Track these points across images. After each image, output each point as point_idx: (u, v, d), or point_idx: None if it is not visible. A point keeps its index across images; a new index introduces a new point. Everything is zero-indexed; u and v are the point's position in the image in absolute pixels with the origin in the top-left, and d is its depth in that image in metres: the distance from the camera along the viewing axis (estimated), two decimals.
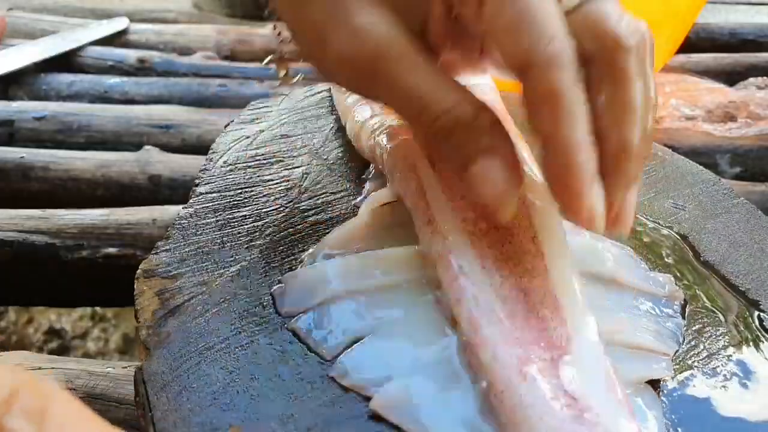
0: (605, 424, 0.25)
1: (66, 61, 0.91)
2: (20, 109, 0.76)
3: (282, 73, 0.35)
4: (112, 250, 0.54)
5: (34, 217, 0.56)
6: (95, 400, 0.40)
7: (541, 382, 0.26)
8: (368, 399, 0.27)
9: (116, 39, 0.98)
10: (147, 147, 0.68)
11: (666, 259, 0.37)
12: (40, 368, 0.43)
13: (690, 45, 0.96)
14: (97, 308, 1.09)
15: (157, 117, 0.75)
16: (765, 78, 0.78)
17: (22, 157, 0.66)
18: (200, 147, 0.69)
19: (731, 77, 0.86)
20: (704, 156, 0.69)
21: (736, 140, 0.70)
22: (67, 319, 1.12)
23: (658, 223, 0.39)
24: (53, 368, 0.42)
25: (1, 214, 0.57)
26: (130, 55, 0.92)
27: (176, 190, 0.64)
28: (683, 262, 0.37)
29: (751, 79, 0.79)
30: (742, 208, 0.41)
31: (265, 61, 0.35)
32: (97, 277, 0.55)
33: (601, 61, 0.28)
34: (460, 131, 0.29)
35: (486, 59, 0.34)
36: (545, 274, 0.30)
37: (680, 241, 0.39)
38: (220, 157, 0.42)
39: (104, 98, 0.83)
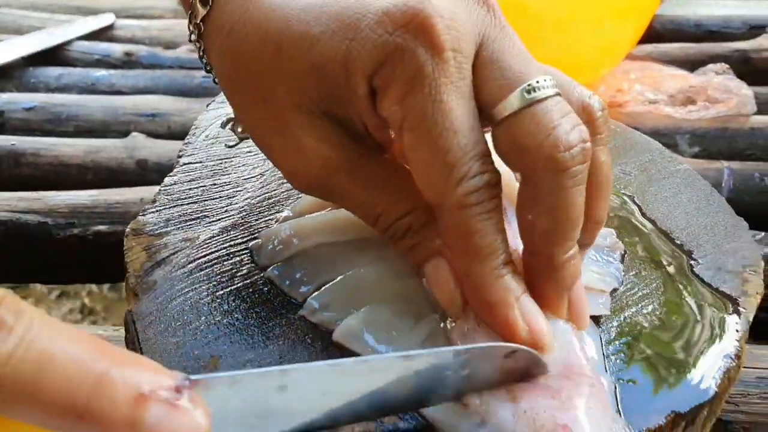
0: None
1: (54, 56, 0.93)
2: (10, 100, 0.79)
3: (239, 130, 0.38)
4: (101, 227, 0.57)
5: (27, 199, 0.59)
6: None
7: None
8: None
9: (102, 34, 1.01)
10: (134, 133, 0.71)
11: (614, 216, 0.40)
12: None
13: (657, 35, 1.01)
14: (86, 302, 1.11)
15: (143, 106, 0.78)
16: (723, 64, 0.82)
17: (12, 144, 0.69)
18: (185, 134, 0.71)
19: (695, 66, 0.90)
20: (665, 137, 0.73)
21: (695, 122, 0.74)
22: (57, 313, 1.14)
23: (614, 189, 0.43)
24: None
25: None
26: (117, 49, 0.95)
27: (163, 174, 0.66)
28: (627, 218, 0.40)
29: (711, 66, 0.83)
30: (683, 173, 0.45)
31: (222, 122, 0.38)
32: (88, 254, 0.58)
33: (531, 179, 0.27)
34: (411, 237, 0.30)
35: None
36: None
37: (628, 201, 0.42)
38: (202, 132, 0.46)
39: (92, 90, 0.86)
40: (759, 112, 0.78)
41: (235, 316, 0.32)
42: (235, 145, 0.38)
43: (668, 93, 0.79)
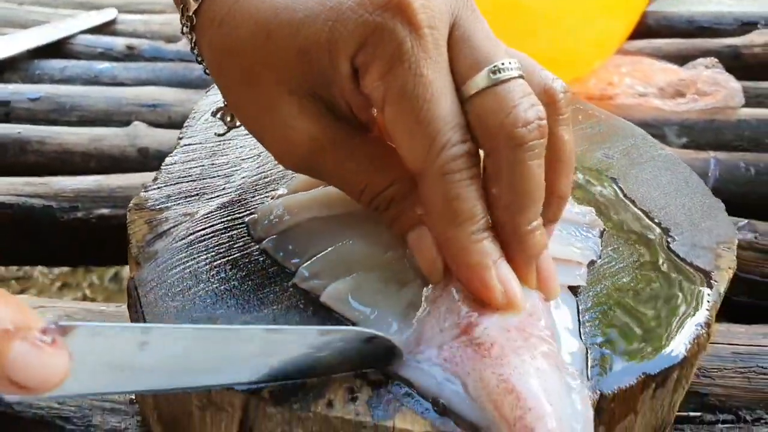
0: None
1: (57, 49, 0.95)
2: (15, 91, 0.81)
3: (228, 119, 0.40)
4: (105, 211, 0.59)
5: (33, 183, 0.61)
6: None
7: None
8: None
9: (105, 28, 1.03)
10: (136, 122, 0.73)
11: (597, 196, 0.42)
12: (42, 306, 0.47)
13: (650, 31, 1.03)
14: (87, 293, 1.13)
15: (144, 97, 0.80)
16: (712, 59, 0.84)
17: (18, 133, 0.71)
18: None
19: (687, 61, 0.92)
20: (654, 128, 0.75)
21: (683, 114, 0.76)
22: (59, 303, 1.16)
23: (595, 169, 0.45)
24: (54, 306, 0.47)
25: (1, 180, 0.62)
26: (119, 42, 0.97)
27: (164, 161, 0.69)
28: (608, 198, 0.42)
29: (700, 60, 0.85)
30: (664, 158, 0.47)
31: (211, 111, 0.41)
32: (91, 236, 0.59)
33: (493, 155, 0.29)
34: (395, 207, 0.32)
35: None
36: None
37: (610, 182, 0.44)
38: (201, 116, 0.47)
39: (95, 82, 0.88)
40: (747, 104, 0.79)
41: (232, 283, 0.34)
42: (224, 133, 0.41)
43: (658, 86, 0.81)
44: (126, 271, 0.89)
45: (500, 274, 0.29)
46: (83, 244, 0.60)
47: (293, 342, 0.27)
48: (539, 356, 0.28)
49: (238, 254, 0.35)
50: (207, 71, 0.36)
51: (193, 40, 0.35)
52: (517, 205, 0.29)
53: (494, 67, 0.29)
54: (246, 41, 0.32)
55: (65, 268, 0.90)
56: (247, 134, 0.45)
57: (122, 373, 0.24)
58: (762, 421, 0.41)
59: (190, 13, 0.34)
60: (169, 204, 0.39)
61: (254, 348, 0.27)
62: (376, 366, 0.29)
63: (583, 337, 0.32)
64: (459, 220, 0.29)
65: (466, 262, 0.29)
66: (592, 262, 0.36)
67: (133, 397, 0.38)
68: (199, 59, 0.37)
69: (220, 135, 0.41)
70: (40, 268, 0.91)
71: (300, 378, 0.29)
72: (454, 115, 0.29)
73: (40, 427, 0.37)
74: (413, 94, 0.29)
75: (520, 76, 0.30)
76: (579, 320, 0.33)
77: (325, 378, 0.29)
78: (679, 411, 0.41)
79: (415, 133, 0.29)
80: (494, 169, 0.30)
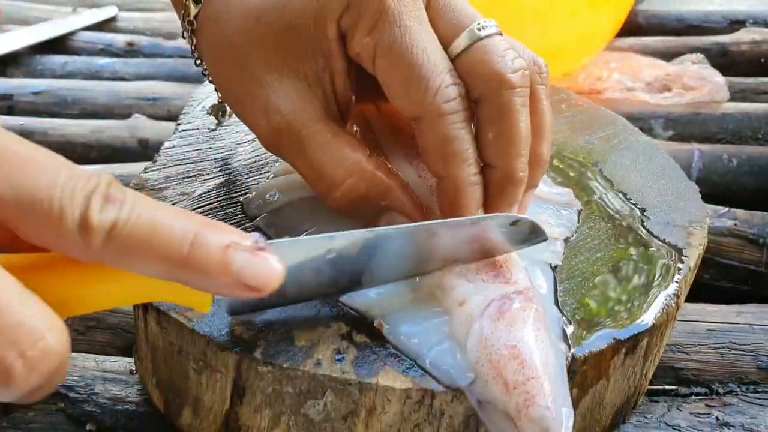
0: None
1: (59, 45, 0.97)
2: (18, 85, 0.83)
3: (219, 114, 0.44)
4: None
5: None
6: None
7: None
8: None
9: (106, 25, 1.05)
10: (136, 115, 0.75)
11: (578, 177, 0.44)
12: None
13: (640, 29, 1.05)
14: None
15: (145, 91, 0.82)
16: (699, 54, 0.86)
17: (21, 125, 0.73)
18: None
19: (676, 57, 0.94)
20: (641, 121, 0.76)
21: (669, 107, 0.78)
22: None
23: (578, 154, 0.47)
24: None
25: None
26: (119, 39, 0.98)
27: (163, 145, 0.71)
28: (587, 180, 0.44)
29: (687, 55, 0.86)
30: (643, 145, 0.49)
31: (207, 110, 0.45)
32: None
33: (487, 100, 0.32)
34: (360, 202, 0.33)
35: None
36: None
37: (592, 165, 0.46)
38: (199, 104, 0.49)
39: (96, 77, 0.89)
40: (732, 99, 0.81)
41: None
42: (215, 129, 0.44)
43: (645, 81, 0.83)
44: None
45: None
46: None
47: (451, 233, 0.31)
48: (542, 327, 0.30)
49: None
50: (205, 72, 0.38)
51: (194, 44, 0.38)
52: (511, 150, 0.32)
53: (478, 25, 0.32)
54: (238, 29, 0.34)
55: None
56: (240, 122, 0.47)
57: (315, 278, 0.29)
58: (733, 393, 0.43)
59: (191, 18, 0.36)
60: (168, 184, 0.41)
61: (423, 243, 0.31)
62: (522, 246, 0.33)
63: (559, 306, 0.34)
64: (457, 161, 0.31)
65: (459, 202, 0.32)
66: (568, 239, 0.38)
67: (133, 366, 0.40)
68: (198, 62, 0.39)
69: (212, 131, 0.43)
70: None
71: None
72: (443, 59, 0.32)
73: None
74: (401, 43, 0.31)
75: (500, 33, 0.33)
76: (555, 290, 0.35)
77: (314, 339, 0.31)
78: (655, 385, 0.43)
79: (408, 79, 0.31)
80: (489, 115, 0.32)
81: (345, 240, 0.29)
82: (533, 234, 0.33)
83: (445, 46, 0.32)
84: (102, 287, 0.26)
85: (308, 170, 0.34)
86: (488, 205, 0.33)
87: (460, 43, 0.32)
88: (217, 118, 0.46)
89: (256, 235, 0.26)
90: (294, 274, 0.28)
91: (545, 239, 0.33)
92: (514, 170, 0.32)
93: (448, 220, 0.32)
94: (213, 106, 0.46)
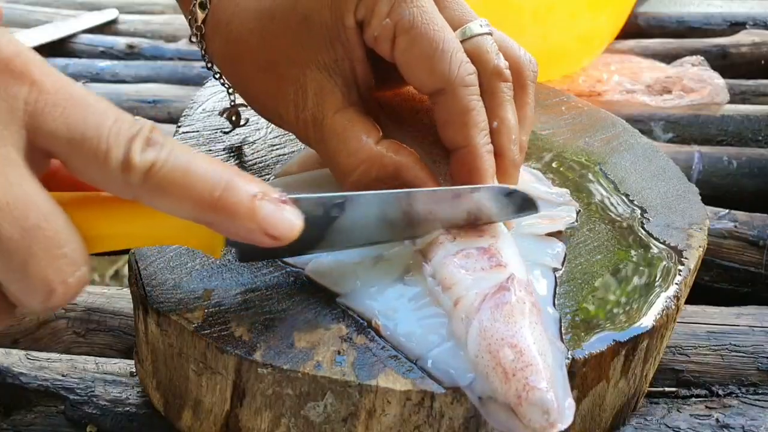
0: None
1: (60, 48, 0.97)
2: None
3: (234, 119, 0.46)
4: None
5: None
6: (94, 312, 0.47)
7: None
8: None
9: (106, 28, 1.05)
10: (137, 117, 0.75)
11: (577, 179, 0.44)
12: None
13: (640, 31, 1.05)
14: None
15: (145, 93, 0.82)
16: (698, 57, 0.86)
17: None
18: None
19: (676, 60, 0.94)
20: (641, 123, 0.77)
21: (669, 110, 0.78)
22: None
23: (580, 154, 0.47)
24: None
25: None
26: (120, 41, 0.99)
27: None
28: (586, 181, 0.44)
29: (687, 58, 0.87)
30: (643, 147, 0.49)
31: (219, 112, 0.46)
32: None
33: (486, 92, 0.35)
34: (374, 185, 0.35)
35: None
36: None
37: (592, 167, 0.46)
38: (199, 106, 0.49)
39: (96, 79, 0.90)
40: (732, 101, 0.81)
41: (227, 257, 0.36)
42: (230, 131, 0.44)
43: (645, 83, 0.83)
44: (126, 270, 0.91)
45: None
46: None
47: (449, 200, 0.34)
48: (538, 320, 0.30)
49: None
50: (216, 74, 0.39)
51: (203, 48, 0.39)
52: (508, 136, 0.35)
53: (478, 22, 0.35)
54: (253, 30, 0.35)
55: None
56: (242, 123, 0.47)
57: (329, 232, 0.32)
58: (733, 395, 0.43)
59: (199, 23, 0.38)
60: None
61: (431, 205, 0.34)
62: (515, 216, 0.36)
63: (557, 307, 0.34)
64: (478, 129, 0.34)
65: (477, 167, 0.34)
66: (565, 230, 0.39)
67: (133, 368, 0.40)
68: (209, 65, 0.40)
69: (225, 133, 0.44)
70: None
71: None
72: (456, 40, 0.34)
73: (45, 397, 0.39)
74: (422, 20, 0.33)
75: (490, 33, 0.35)
76: (555, 291, 0.35)
77: (314, 341, 0.31)
78: (655, 387, 0.43)
79: (432, 53, 0.33)
80: (487, 103, 0.35)
81: (354, 198, 0.32)
82: (526, 205, 0.35)
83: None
84: (128, 227, 0.28)
85: (325, 158, 0.36)
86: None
87: (466, 32, 0.35)
88: (230, 122, 0.46)
89: (280, 189, 0.28)
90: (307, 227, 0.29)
91: (537, 212, 0.36)
92: (511, 153, 0.35)
93: (452, 187, 0.34)
94: (226, 109, 0.46)
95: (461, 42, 0.34)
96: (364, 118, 0.35)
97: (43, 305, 0.25)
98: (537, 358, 0.28)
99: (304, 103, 0.35)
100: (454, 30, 0.34)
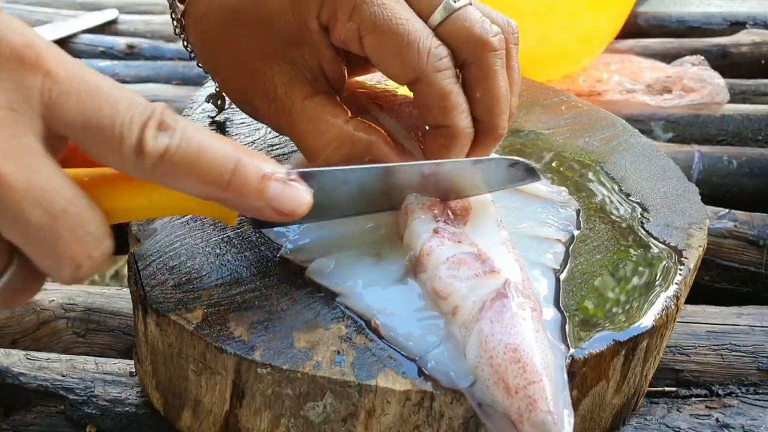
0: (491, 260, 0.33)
1: (60, 48, 0.97)
2: None
3: (219, 102, 0.47)
4: None
5: None
6: (94, 312, 0.47)
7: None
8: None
9: (107, 28, 1.05)
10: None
11: (577, 178, 0.44)
12: (45, 289, 0.49)
13: (641, 31, 1.05)
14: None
15: (145, 93, 0.82)
16: (699, 56, 0.86)
17: None
18: None
19: (676, 59, 0.94)
20: (641, 123, 0.76)
21: (669, 109, 0.78)
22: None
23: (581, 154, 0.47)
24: (56, 289, 0.49)
25: None
26: (120, 41, 0.98)
27: None
28: (586, 180, 0.44)
29: (687, 57, 0.86)
30: (643, 146, 0.49)
31: (206, 98, 0.48)
32: None
33: (473, 63, 0.35)
34: (345, 161, 0.36)
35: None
36: None
37: (593, 166, 0.46)
38: (199, 106, 0.49)
39: None
40: (732, 101, 0.81)
41: (226, 258, 0.36)
42: (216, 115, 0.46)
43: (645, 83, 0.83)
44: (126, 270, 0.91)
45: None
46: None
47: (454, 170, 0.35)
48: (540, 327, 0.30)
49: (233, 232, 0.37)
50: (198, 63, 0.41)
51: (184, 38, 0.41)
52: (496, 108, 0.35)
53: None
54: (223, 25, 0.37)
55: None
56: (241, 123, 0.47)
57: (336, 203, 0.34)
58: (733, 395, 0.43)
59: (179, 16, 0.39)
60: None
61: (433, 176, 0.35)
62: (518, 184, 0.38)
63: (560, 308, 0.34)
64: (457, 111, 0.34)
65: (453, 148, 0.35)
66: (570, 239, 0.38)
67: (133, 368, 0.40)
68: (192, 55, 0.42)
69: (212, 118, 0.44)
70: None
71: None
72: (425, 27, 0.34)
73: (45, 397, 0.39)
74: (383, 17, 0.33)
75: (470, 4, 0.35)
76: (557, 292, 0.35)
77: (313, 341, 0.31)
78: (655, 386, 0.43)
79: (399, 47, 0.33)
80: (475, 76, 0.35)
81: (361, 171, 0.33)
82: (528, 174, 0.37)
83: (426, 17, 0.34)
84: (146, 201, 0.29)
85: (296, 142, 0.37)
86: (470, 153, 0.36)
87: (436, 17, 0.34)
88: (216, 106, 0.48)
89: (289, 167, 0.29)
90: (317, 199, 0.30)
91: (538, 179, 0.38)
92: (498, 126, 0.36)
93: (454, 160, 0.35)
94: (211, 95, 0.48)
95: (444, 19, 0.34)
96: (333, 101, 0.36)
97: (72, 277, 0.26)
98: (541, 374, 0.28)
99: (274, 93, 0.36)
100: (435, 8, 0.34)
